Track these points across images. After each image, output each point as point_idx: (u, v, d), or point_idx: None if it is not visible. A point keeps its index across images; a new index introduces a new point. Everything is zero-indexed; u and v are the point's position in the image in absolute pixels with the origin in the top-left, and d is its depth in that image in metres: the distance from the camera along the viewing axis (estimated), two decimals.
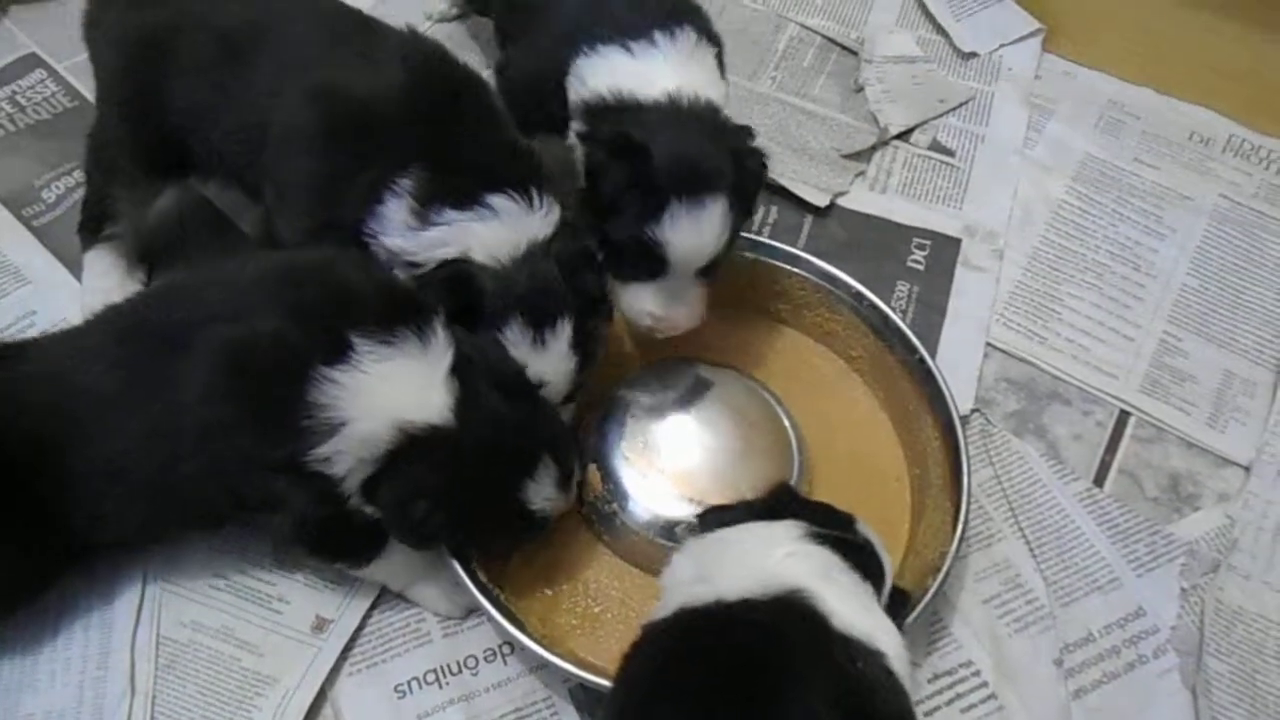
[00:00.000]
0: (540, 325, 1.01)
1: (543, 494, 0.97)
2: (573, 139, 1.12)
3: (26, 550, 0.99)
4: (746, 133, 1.12)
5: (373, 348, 0.91)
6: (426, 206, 1.00)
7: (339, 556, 1.03)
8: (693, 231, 1.05)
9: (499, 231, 1.01)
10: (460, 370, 0.94)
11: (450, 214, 1.00)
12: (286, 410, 0.90)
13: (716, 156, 1.06)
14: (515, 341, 1.00)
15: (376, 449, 0.91)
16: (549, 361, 1.02)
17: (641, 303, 1.10)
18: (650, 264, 1.07)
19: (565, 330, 1.02)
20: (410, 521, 0.94)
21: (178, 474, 0.94)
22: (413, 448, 0.92)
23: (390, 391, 0.91)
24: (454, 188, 1.00)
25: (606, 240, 1.08)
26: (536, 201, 1.03)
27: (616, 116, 1.07)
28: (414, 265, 1.02)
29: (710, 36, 1.16)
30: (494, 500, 0.96)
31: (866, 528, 0.91)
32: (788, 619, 0.77)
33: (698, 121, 1.07)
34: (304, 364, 0.90)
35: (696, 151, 1.05)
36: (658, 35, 1.09)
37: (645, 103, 1.07)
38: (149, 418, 0.94)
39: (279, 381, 0.91)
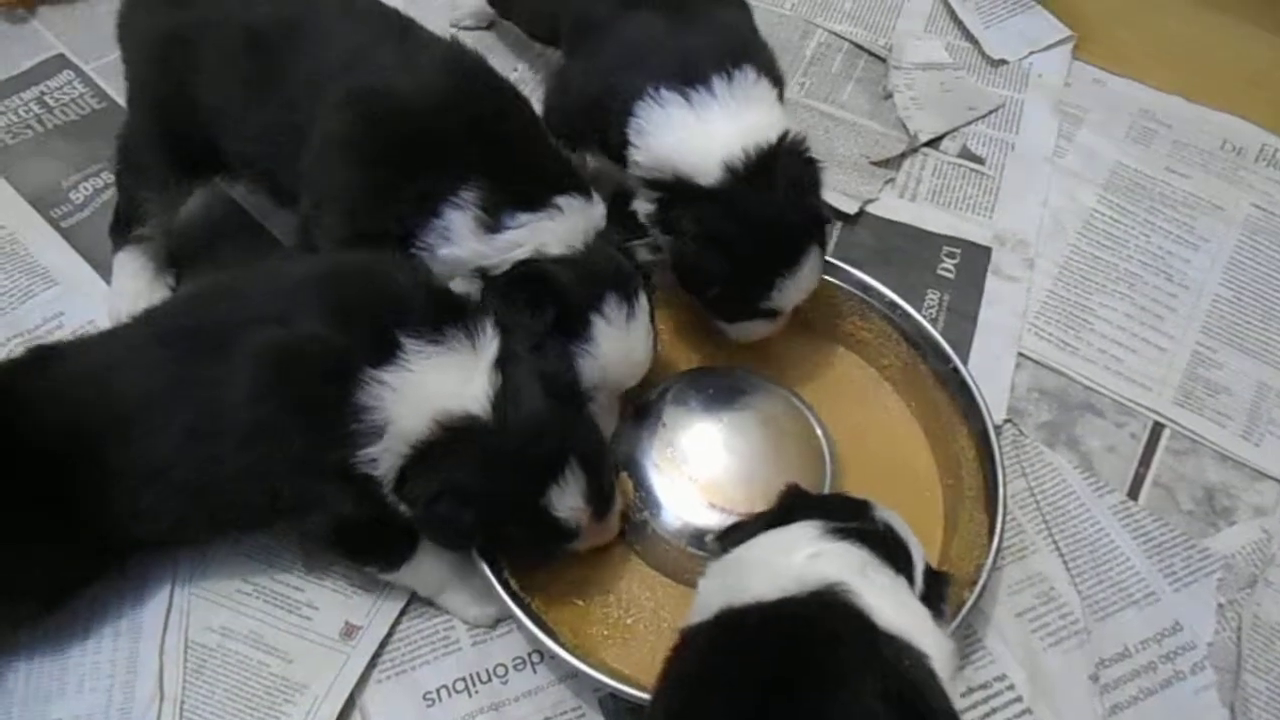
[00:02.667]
0: (630, 299, 1.04)
1: (567, 502, 0.95)
2: (639, 207, 1.14)
3: (64, 550, 0.99)
4: (797, 149, 1.12)
5: (421, 346, 0.91)
6: (495, 214, 1.01)
7: (371, 559, 1.03)
8: (800, 287, 1.13)
9: (569, 224, 1.03)
10: (505, 364, 0.94)
11: (523, 216, 1.01)
12: (335, 414, 0.90)
13: (795, 215, 1.10)
14: (613, 315, 1.02)
15: (413, 440, 0.91)
16: (640, 332, 1.06)
17: (755, 333, 1.17)
18: (764, 315, 1.15)
19: (645, 303, 1.06)
20: (437, 517, 0.93)
21: (218, 474, 0.94)
22: (447, 439, 0.91)
23: (434, 385, 0.91)
24: (521, 193, 1.02)
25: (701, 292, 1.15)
26: (593, 197, 1.05)
27: (684, 201, 1.09)
28: (483, 270, 1.02)
29: (773, 76, 1.15)
30: (518, 501, 0.94)
31: (884, 511, 0.90)
32: (830, 613, 0.76)
33: (763, 187, 1.08)
34: (351, 367, 0.90)
35: (780, 223, 1.09)
36: (716, 82, 1.09)
37: (708, 186, 1.08)
38: (191, 418, 0.93)
39: (326, 386, 0.91)
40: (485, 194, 1.00)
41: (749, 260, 1.09)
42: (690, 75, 1.09)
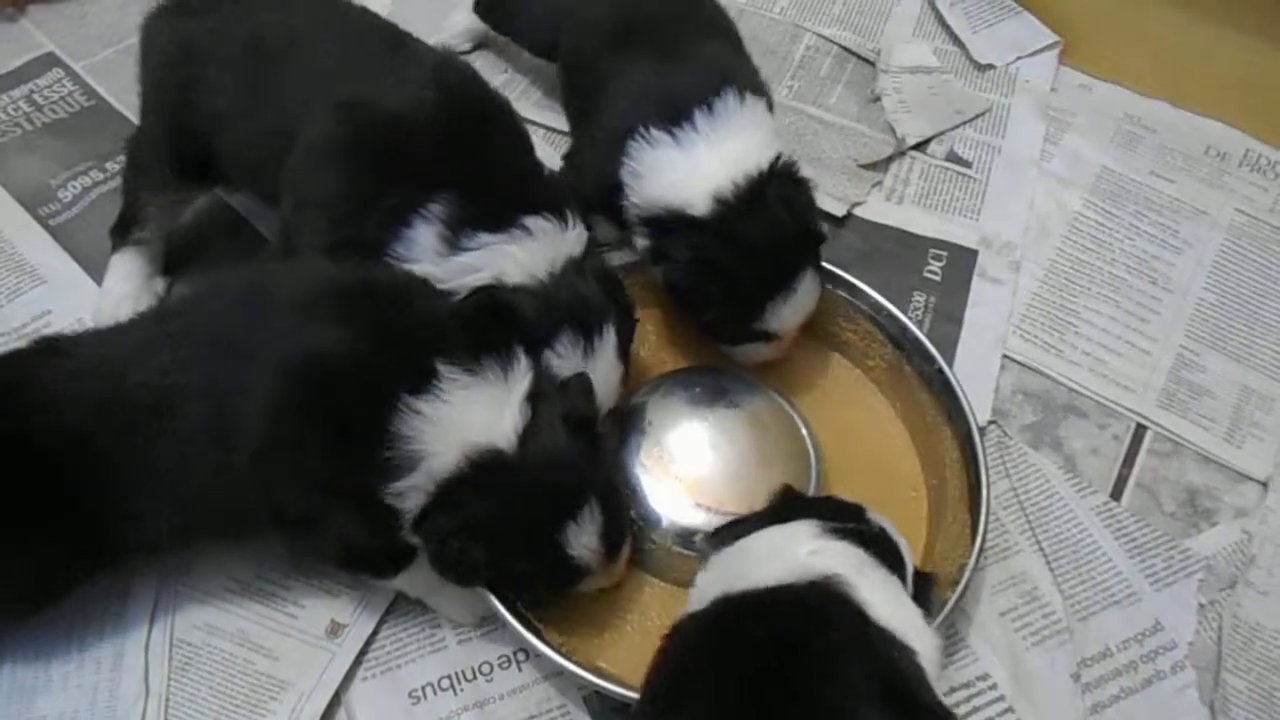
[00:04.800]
0: (590, 335, 1.02)
1: (582, 540, 0.93)
2: (637, 244, 1.14)
3: (57, 550, 0.96)
4: (788, 171, 1.13)
5: (457, 375, 0.89)
6: (457, 232, 1.00)
7: (369, 571, 1.01)
8: (796, 310, 1.13)
9: (535, 250, 1.01)
10: (535, 398, 0.93)
11: (483, 237, 1.00)
12: (365, 438, 0.87)
13: (787, 238, 1.10)
14: (566, 353, 1.01)
15: (441, 478, 0.89)
16: (600, 370, 1.02)
17: (757, 356, 1.17)
18: (763, 338, 1.15)
19: (611, 339, 1.03)
20: (450, 554, 0.91)
21: (223, 484, 0.91)
22: (472, 475, 0.89)
23: (467, 418, 0.89)
24: (487, 212, 1.00)
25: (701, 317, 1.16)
26: (570, 221, 1.04)
27: (680, 233, 1.09)
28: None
29: (755, 89, 1.16)
30: (534, 537, 0.92)
31: (876, 516, 0.91)
32: (826, 602, 0.77)
33: (754, 209, 1.09)
34: (386, 391, 0.87)
35: (771, 246, 1.10)
36: (698, 116, 1.10)
37: (700, 217, 1.08)
38: (202, 424, 0.90)
39: (357, 406, 0.88)
40: (453, 209, 0.99)
41: (740, 284, 1.10)
42: (674, 113, 1.10)
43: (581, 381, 0.99)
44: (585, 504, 0.93)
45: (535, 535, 0.92)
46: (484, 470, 0.89)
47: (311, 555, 1.03)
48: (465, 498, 0.89)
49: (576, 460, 0.93)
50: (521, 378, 0.93)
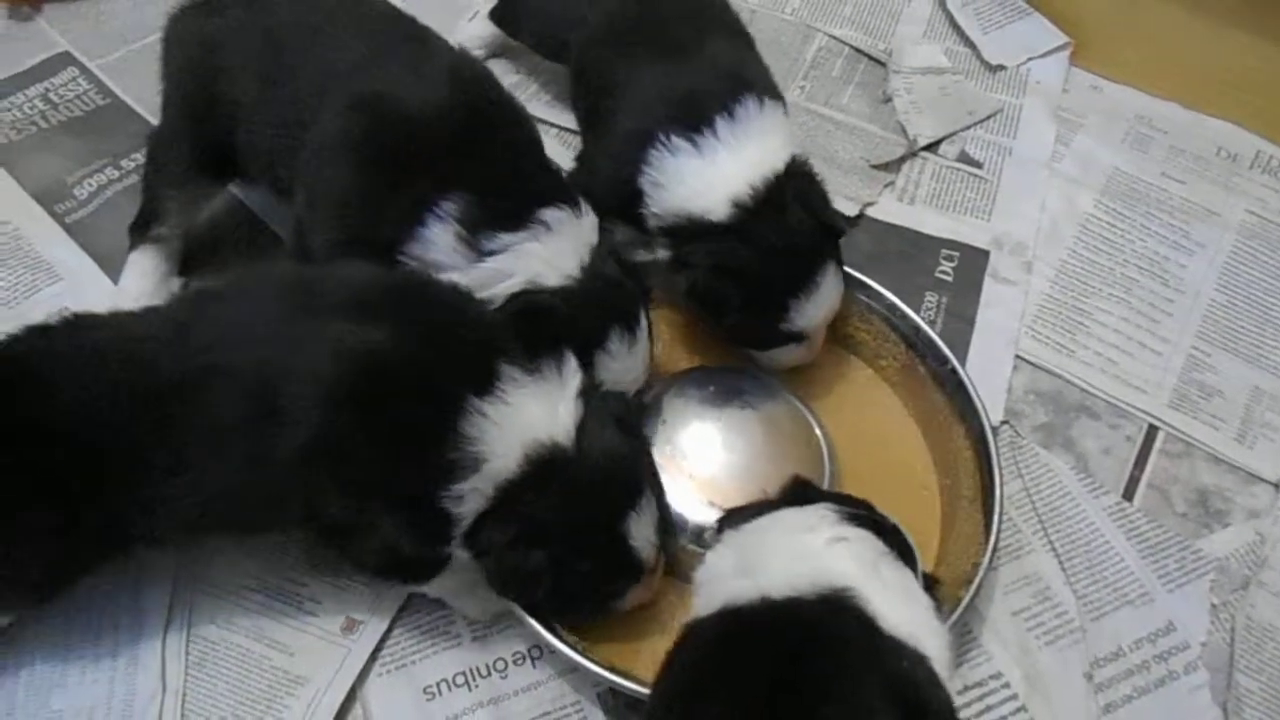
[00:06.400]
0: (633, 327, 1.03)
1: (643, 532, 0.94)
2: (658, 255, 1.15)
3: (64, 537, 0.92)
4: (801, 168, 1.14)
5: (517, 375, 0.90)
6: (476, 233, 1.00)
7: (404, 577, 1.01)
8: (820, 306, 1.13)
9: (558, 245, 1.01)
10: (584, 395, 0.94)
11: (504, 238, 1.00)
12: (425, 440, 0.87)
13: (806, 236, 1.11)
14: (616, 350, 1.02)
15: (501, 481, 0.89)
16: (639, 358, 1.05)
17: (787, 359, 1.18)
18: (791, 339, 1.15)
19: (645, 322, 1.06)
20: (508, 564, 0.90)
21: (257, 478, 0.89)
22: (532, 475, 0.89)
23: (526, 419, 0.89)
24: (502, 210, 1.00)
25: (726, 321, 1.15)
26: (582, 209, 1.04)
27: (700, 240, 1.10)
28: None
29: (772, 91, 1.17)
30: (597, 530, 0.93)
31: (885, 513, 0.91)
32: (837, 620, 0.77)
33: (773, 211, 1.09)
34: (453, 391, 0.87)
35: (791, 245, 1.10)
36: (719, 123, 1.10)
37: (719, 223, 1.09)
38: (240, 414, 0.87)
39: (422, 406, 0.87)
40: (467, 207, 1.00)
41: (761, 285, 1.10)
42: (695, 119, 1.11)
43: (620, 394, 1.01)
44: (642, 494, 0.94)
45: (598, 528, 0.93)
46: (544, 468, 0.90)
47: (341, 559, 1.01)
48: (524, 500, 0.90)
49: (631, 455, 0.95)
50: (573, 375, 0.94)
